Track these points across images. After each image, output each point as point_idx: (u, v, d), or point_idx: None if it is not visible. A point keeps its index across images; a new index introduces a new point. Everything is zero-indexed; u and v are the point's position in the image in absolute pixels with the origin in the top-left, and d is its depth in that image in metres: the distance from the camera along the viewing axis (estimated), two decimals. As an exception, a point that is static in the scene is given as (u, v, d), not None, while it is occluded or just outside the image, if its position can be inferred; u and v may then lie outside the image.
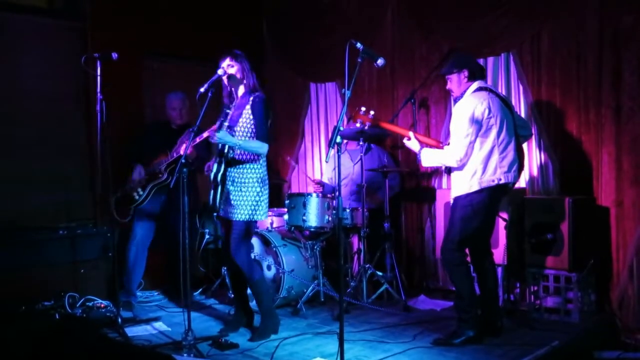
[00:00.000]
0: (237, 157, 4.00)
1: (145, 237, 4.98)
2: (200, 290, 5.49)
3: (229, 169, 4.01)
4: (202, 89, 3.81)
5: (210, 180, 4.07)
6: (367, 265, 4.91)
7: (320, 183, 5.60)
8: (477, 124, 3.80)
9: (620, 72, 4.33)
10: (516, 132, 3.97)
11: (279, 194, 6.31)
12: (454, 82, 4.00)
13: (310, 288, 4.83)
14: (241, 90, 4.06)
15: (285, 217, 4.91)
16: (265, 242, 4.91)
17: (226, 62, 3.98)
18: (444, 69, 4.06)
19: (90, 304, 4.61)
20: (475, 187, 3.84)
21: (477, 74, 3.97)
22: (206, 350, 3.84)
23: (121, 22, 5.50)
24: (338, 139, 3.21)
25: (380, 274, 4.97)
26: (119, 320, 4.21)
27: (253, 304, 4.48)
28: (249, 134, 3.96)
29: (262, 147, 3.96)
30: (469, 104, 3.84)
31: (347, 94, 3.24)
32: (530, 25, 4.72)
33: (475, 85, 3.93)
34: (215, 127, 3.94)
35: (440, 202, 5.07)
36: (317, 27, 6.11)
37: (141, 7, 5.68)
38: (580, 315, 4.27)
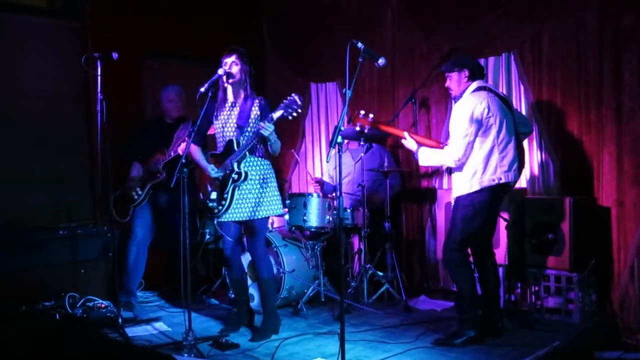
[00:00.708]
0: (258, 154, 4.06)
1: (145, 237, 4.98)
2: (201, 290, 5.48)
3: (251, 168, 4.02)
4: (202, 89, 3.82)
5: (218, 182, 4.04)
6: (368, 266, 4.91)
7: (320, 182, 5.59)
8: (476, 123, 3.80)
9: (620, 72, 4.32)
10: (516, 130, 3.97)
11: (280, 193, 6.29)
12: (453, 80, 4.00)
13: (311, 288, 4.83)
14: (241, 91, 4.06)
15: (286, 217, 4.90)
16: (266, 242, 4.90)
17: (231, 59, 3.98)
18: (445, 66, 4.06)
19: (91, 304, 4.61)
20: (475, 187, 3.84)
21: (477, 73, 3.97)
22: (207, 350, 3.83)
23: (121, 22, 5.50)
24: (339, 139, 3.21)
25: (381, 274, 4.97)
26: (120, 320, 4.21)
27: (254, 304, 4.48)
28: (258, 135, 3.98)
29: (280, 146, 4.08)
30: (468, 104, 3.84)
31: (348, 93, 3.24)
32: (531, 25, 4.72)
33: (475, 85, 3.93)
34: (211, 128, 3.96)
35: (441, 203, 5.06)
36: (317, 27, 6.10)
37: (141, 7, 5.69)
38: (581, 316, 4.27)
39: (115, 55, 4.15)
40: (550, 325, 4.22)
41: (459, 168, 3.91)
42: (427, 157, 4.02)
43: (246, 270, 4.56)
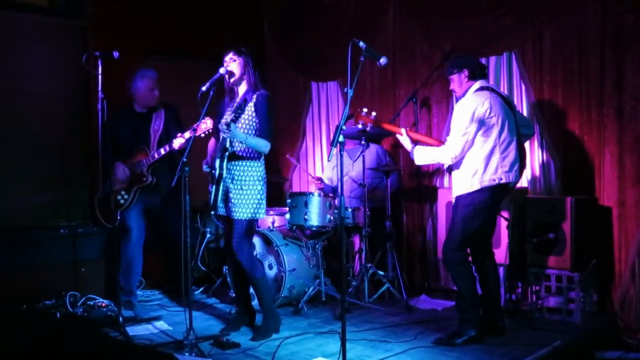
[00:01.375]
0: (239, 154, 3.99)
1: (138, 236, 4.87)
2: (202, 289, 5.48)
3: (230, 166, 3.99)
4: (203, 88, 3.81)
5: (214, 178, 4.05)
6: (369, 265, 4.91)
7: (320, 179, 5.59)
8: (477, 123, 3.79)
9: (622, 72, 4.32)
10: (518, 131, 3.96)
11: (280, 192, 6.31)
12: (455, 82, 4.00)
13: (312, 287, 4.83)
14: (243, 87, 4.05)
15: (287, 216, 4.90)
16: (267, 241, 4.90)
17: (229, 56, 3.99)
18: (446, 70, 4.07)
19: (91, 303, 4.61)
20: (476, 186, 3.83)
21: (477, 73, 3.96)
22: (207, 349, 3.83)
23: (122, 21, 5.50)
24: (340, 138, 3.21)
25: (381, 273, 4.96)
26: (120, 319, 4.20)
27: (255, 303, 4.48)
28: (252, 131, 3.96)
29: (266, 146, 3.96)
30: (470, 103, 3.84)
31: (350, 92, 3.24)
32: (532, 24, 4.72)
33: (477, 84, 3.92)
34: (196, 125, 3.93)
35: (441, 202, 5.06)
36: (318, 27, 6.10)
37: (142, 6, 5.69)
38: (582, 315, 4.27)
39: (116, 54, 4.14)
40: (551, 325, 4.22)
41: (458, 166, 3.90)
42: (423, 156, 4.01)
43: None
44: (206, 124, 3.96)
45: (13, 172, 4.99)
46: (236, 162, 3.99)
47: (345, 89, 3.29)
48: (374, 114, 4.19)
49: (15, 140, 5.02)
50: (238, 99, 4.04)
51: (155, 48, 5.80)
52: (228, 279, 4.97)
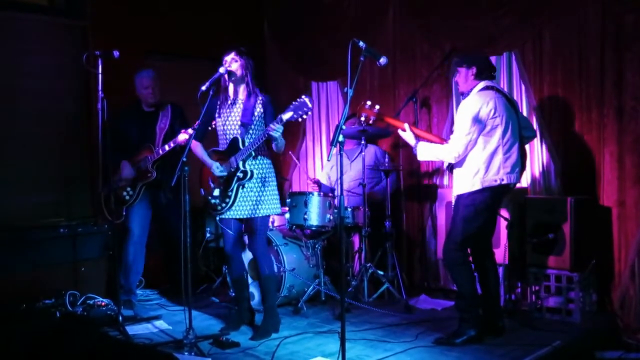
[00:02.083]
0: (262, 154, 4.07)
1: (141, 235, 4.91)
2: (202, 288, 5.48)
3: (253, 166, 4.03)
4: (203, 87, 3.82)
5: (222, 179, 4.05)
6: (368, 265, 4.91)
7: (317, 182, 5.59)
8: (481, 123, 3.79)
9: (622, 72, 4.32)
10: (520, 133, 3.96)
11: (280, 192, 6.29)
12: (461, 75, 3.98)
13: (312, 287, 4.83)
14: (242, 88, 4.07)
15: (287, 215, 4.90)
16: (267, 240, 4.90)
17: (231, 56, 4.00)
18: (456, 61, 4.04)
19: (91, 302, 4.61)
20: (477, 186, 3.83)
21: (485, 73, 3.95)
22: (207, 348, 3.83)
23: (122, 20, 5.50)
24: (340, 138, 3.21)
25: (381, 273, 4.96)
26: (120, 318, 4.21)
27: (254, 302, 4.48)
28: (262, 133, 3.98)
29: (284, 144, 4.08)
30: (474, 103, 3.83)
31: (350, 92, 3.24)
32: (532, 24, 4.71)
33: (482, 84, 3.92)
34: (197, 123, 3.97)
35: (441, 201, 5.06)
36: (318, 26, 6.10)
37: (142, 5, 5.69)
38: (581, 315, 4.27)
39: (116, 53, 4.14)
40: (550, 325, 4.22)
41: (460, 165, 3.90)
42: (426, 152, 4.01)
43: (247, 269, 4.56)
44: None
45: (13, 172, 4.99)
46: (257, 162, 4.05)
47: (345, 89, 3.29)
48: (377, 107, 4.18)
49: (15, 140, 5.02)
50: (242, 101, 4.05)
51: (155, 48, 5.80)
52: (228, 279, 4.97)
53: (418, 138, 4.06)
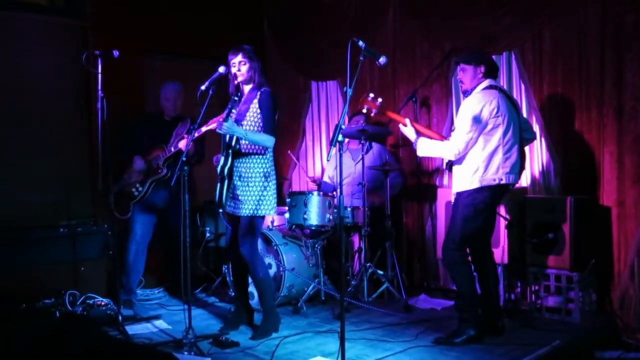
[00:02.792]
0: (243, 150, 4.00)
1: (144, 235, 4.96)
2: (201, 288, 5.49)
3: (235, 163, 4.00)
4: (203, 87, 3.82)
5: (217, 174, 4.06)
6: (368, 264, 4.91)
7: (316, 181, 5.58)
8: (483, 121, 3.79)
9: (622, 72, 4.32)
10: (520, 134, 3.96)
11: (279, 192, 6.30)
12: (468, 73, 3.96)
13: (311, 287, 4.83)
14: (248, 86, 4.06)
15: (286, 215, 4.90)
16: (266, 240, 4.91)
17: (238, 58, 3.98)
18: (462, 57, 4.00)
19: (91, 301, 4.61)
20: (475, 185, 3.83)
21: (492, 72, 3.96)
22: (207, 348, 3.83)
23: (122, 20, 5.49)
24: (340, 138, 3.21)
25: (381, 272, 4.97)
26: (120, 318, 4.21)
27: (253, 302, 4.48)
28: (256, 128, 3.96)
29: (269, 140, 3.97)
30: (478, 101, 3.83)
31: (349, 92, 3.25)
32: (532, 24, 4.71)
33: (486, 82, 3.91)
34: (220, 117, 3.92)
35: (441, 201, 5.06)
36: (318, 26, 6.10)
37: (142, 5, 5.68)
38: (581, 315, 4.27)
39: (116, 53, 4.14)
40: (550, 325, 4.22)
41: (459, 162, 3.90)
42: (426, 147, 4.00)
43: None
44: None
45: (13, 171, 4.99)
46: (241, 159, 4.00)
47: (345, 89, 3.29)
48: (379, 100, 4.16)
49: (15, 140, 5.02)
50: (244, 97, 4.05)
51: (155, 47, 5.80)
52: (227, 278, 4.97)
53: (419, 133, 4.05)
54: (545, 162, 4.74)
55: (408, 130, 4.07)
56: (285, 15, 6.47)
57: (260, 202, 4.00)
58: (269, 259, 4.86)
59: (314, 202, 4.77)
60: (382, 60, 3.42)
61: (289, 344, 3.93)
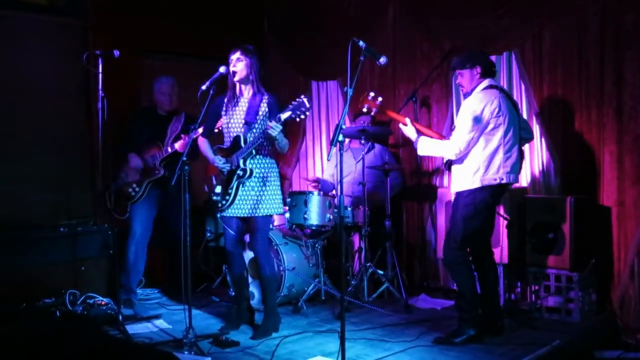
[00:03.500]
0: (264, 153, 4.06)
1: (144, 234, 4.94)
2: (201, 288, 5.49)
3: (250, 164, 4.02)
4: (203, 87, 3.82)
5: (224, 175, 4.05)
6: (368, 264, 4.91)
7: (317, 180, 5.58)
8: (484, 121, 3.79)
9: (622, 72, 4.32)
10: (519, 134, 3.96)
11: (281, 192, 6.30)
12: (465, 77, 3.97)
13: (311, 286, 4.83)
14: (248, 86, 4.06)
15: (287, 215, 4.90)
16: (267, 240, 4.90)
17: (236, 56, 3.99)
18: (457, 63, 4.02)
19: (91, 301, 4.61)
20: (476, 184, 3.83)
21: (488, 71, 3.95)
22: (207, 348, 3.83)
23: (122, 20, 5.50)
24: (340, 137, 3.21)
25: (381, 272, 4.97)
26: (120, 317, 4.21)
27: (254, 301, 4.48)
28: (261, 131, 3.98)
29: (288, 144, 4.09)
30: (479, 101, 3.83)
31: (350, 92, 3.25)
32: (532, 24, 4.72)
33: (486, 82, 3.92)
34: (197, 123, 3.93)
35: (441, 201, 5.06)
36: (318, 26, 6.11)
37: (142, 5, 5.69)
38: (581, 315, 4.27)
39: (116, 52, 4.14)
40: (550, 325, 4.22)
41: (460, 162, 3.90)
42: (427, 147, 4.00)
43: (247, 267, 4.56)
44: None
45: (13, 171, 4.99)
46: (257, 160, 4.04)
47: (345, 88, 3.29)
48: (380, 99, 4.17)
49: (15, 139, 5.02)
50: (247, 100, 4.05)
51: (155, 47, 5.80)
52: (228, 278, 4.97)
53: (419, 133, 4.06)
54: (545, 162, 4.75)
55: (409, 130, 4.07)
56: (285, 15, 6.47)
57: (280, 201, 4.16)
58: (269, 259, 4.86)
59: (314, 201, 4.77)
60: (382, 60, 3.42)
61: (289, 343, 3.94)
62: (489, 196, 3.86)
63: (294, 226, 4.88)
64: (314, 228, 4.82)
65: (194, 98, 3.83)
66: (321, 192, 4.86)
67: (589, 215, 4.36)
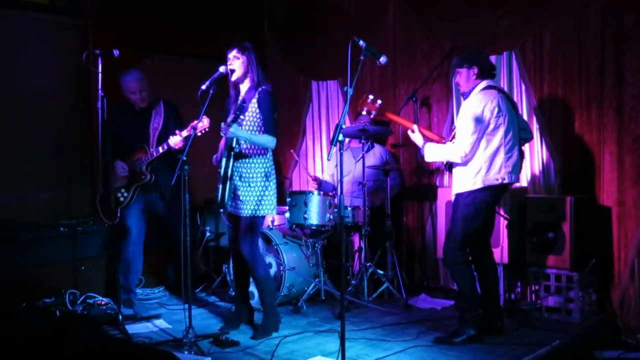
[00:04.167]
0: (244, 151, 3.99)
1: (139, 234, 4.85)
2: (201, 287, 5.49)
3: (236, 164, 3.99)
4: (203, 87, 3.82)
5: (220, 175, 4.05)
6: (368, 264, 4.91)
7: (317, 179, 5.58)
8: (485, 122, 3.79)
9: (622, 72, 4.32)
10: (519, 134, 3.96)
11: (280, 191, 6.30)
12: (462, 76, 3.97)
13: (312, 286, 4.83)
14: (246, 83, 4.05)
15: (287, 215, 4.90)
16: (267, 240, 4.91)
17: (233, 53, 3.98)
18: (455, 62, 4.02)
19: (91, 301, 4.61)
20: (478, 185, 3.83)
21: (486, 72, 3.95)
22: (207, 347, 3.83)
23: (122, 19, 5.50)
24: (340, 137, 3.21)
25: (381, 272, 4.97)
26: (120, 317, 4.21)
27: (253, 301, 4.48)
28: (256, 128, 3.96)
29: (271, 141, 3.97)
30: (479, 102, 3.82)
31: (350, 91, 3.25)
32: (532, 24, 4.72)
33: (484, 83, 3.91)
34: (194, 123, 3.93)
35: (441, 201, 5.06)
36: (319, 25, 6.10)
37: (142, 4, 5.69)
38: (581, 315, 4.27)
39: (116, 52, 4.13)
40: (550, 324, 4.22)
41: (463, 164, 3.90)
42: (434, 153, 4.00)
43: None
44: (203, 123, 3.97)
45: (13, 171, 4.99)
46: (242, 160, 4.00)
47: (345, 88, 3.29)
48: (379, 101, 4.16)
49: (15, 139, 5.02)
50: (240, 98, 4.04)
51: (155, 47, 5.80)
52: (227, 278, 4.97)
53: (425, 139, 4.06)
54: (545, 162, 4.74)
55: (416, 137, 4.07)
56: (285, 15, 6.47)
57: (261, 202, 4.01)
58: (269, 259, 4.86)
59: (315, 201, 4.77)
60: (382, 59, 3.42)
61: (289, 343, 3.93)
62: (490, 196, 3.86)
63: (294, 226, 4.88)
64: (314, 228, 4.82)
65: (194, 98, 3.82)
66: (321, 192, 4.86)
67: (589, 215, 4.36)
